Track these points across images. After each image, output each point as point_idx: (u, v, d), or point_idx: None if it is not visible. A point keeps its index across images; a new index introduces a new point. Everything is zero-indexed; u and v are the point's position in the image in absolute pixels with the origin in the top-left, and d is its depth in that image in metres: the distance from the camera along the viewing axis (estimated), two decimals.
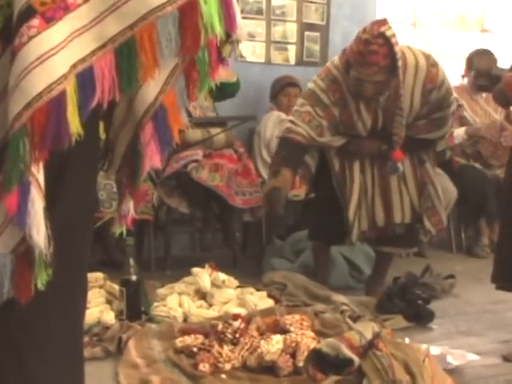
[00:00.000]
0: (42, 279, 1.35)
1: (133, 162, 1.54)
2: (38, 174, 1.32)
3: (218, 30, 1.37)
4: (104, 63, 1.32)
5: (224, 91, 5.03)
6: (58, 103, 1.28)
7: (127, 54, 1.33)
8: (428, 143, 4.00)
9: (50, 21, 1.28)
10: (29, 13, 1.28)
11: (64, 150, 1.30)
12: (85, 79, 1.31)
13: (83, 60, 1.31)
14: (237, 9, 1.42)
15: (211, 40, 1.39)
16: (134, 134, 1.50)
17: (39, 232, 1.32)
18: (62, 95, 1.28)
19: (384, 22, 3.70)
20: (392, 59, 3.60)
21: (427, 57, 3.88)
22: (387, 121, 3.88)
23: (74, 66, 1.30)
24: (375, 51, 3.60)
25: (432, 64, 3.83)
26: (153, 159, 1.49)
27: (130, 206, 1.64)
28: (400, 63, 3.64)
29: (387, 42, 3.59)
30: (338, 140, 3.98)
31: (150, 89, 1.44)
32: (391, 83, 3.71)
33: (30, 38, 1.27)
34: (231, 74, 5.09)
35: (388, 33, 3.60)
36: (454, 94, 4.04)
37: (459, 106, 5.08)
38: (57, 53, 1.28)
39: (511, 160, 3.34)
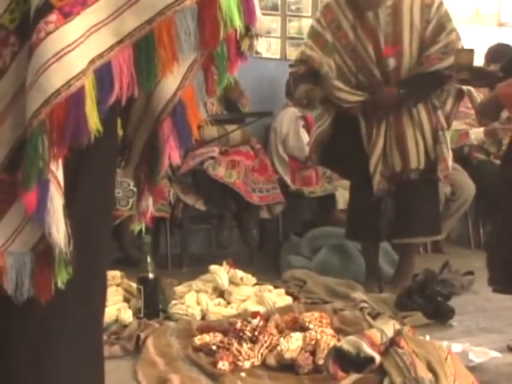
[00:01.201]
0: (62, 277, 1.33)
1: (151, 158, 1.52)
2: (57, 171, 1.30)
3: (238, 23, 1.34)
4: (122, 59, 1.30)
5: None
6: (77, 99, 1.26)
7: (146, 49, 1.31)
8: (439, 79, 4.02)
9: (67, 16, 1.26)
10: (46, 8, 1.26)
11: (83, 147, 1.28)
12: (103, 75, 1.29)
13: (101, 55, 1.29)
14: (256, 2, 1.39)
15: (230, 34, 1.36)
16: (152, 130, 1.48)
17: (59, 230, 1.30)
18: (81, 91, 1.26)
19: None
20: None
21: None
22: (390, 46, 3.98)
23: (92, 61, 1.28)
24: None
25: None
26: (172, 155, 1.47)
27: (149, 203, 1.62)
28: None
29: None
30: (356, 95, 4.05)
31: (169, 84, 1.42)
32: None
33: (48, 33, 1.25)
34: None
35: None
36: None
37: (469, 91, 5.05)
38: (75, 48, 1.26)
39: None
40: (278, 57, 5.92)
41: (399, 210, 4.11)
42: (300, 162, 5.35)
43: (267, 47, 5.86)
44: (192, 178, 4.90)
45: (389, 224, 4.22)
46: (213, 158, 4.88)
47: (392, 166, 4.06)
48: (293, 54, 5.95)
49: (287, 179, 5.32)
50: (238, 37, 1.38)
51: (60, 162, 1.30)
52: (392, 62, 3.97)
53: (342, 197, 5.22)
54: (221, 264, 3.78)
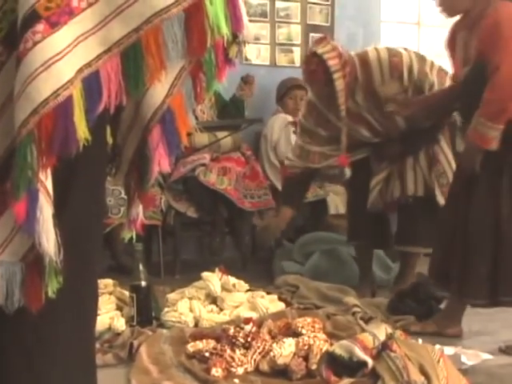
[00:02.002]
0: (52, 287, 1.34)
1: (141, 166, 1.52)
2: (46, 180, 1.30)
3: (225, 30, 1.35)
4: (110, 67, 1.31)
5: None
6: (65, 109, 1.27)
7: (133, 58, 1.32)
8: (429, 132, 4.08)
9: (54, 26, 1.27)
10: (33, 18, 1.26)
11: (72, 156, 1.29)
12: (91, 84, 1.29)
13: (89, 64, 1.29)
14: (243, 9, 1.40)
15: (217, 41, 1.37)
16: (141, 137, 1.48)
17: (49, 239, 1.30)
18: (69, 100, 1.27)
19: (321, 40, 4.03)
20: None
21: (389, 50, 4.09)
22: (381, 119, 4.06)
23: (80, 70, 1.28)
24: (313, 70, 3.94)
25: (393, 55, 4.02)
26: (161, 163, 1.47)
27: (139, 211, 1.63)
28: (335, 76, 3.89)
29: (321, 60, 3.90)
30: (358, 154, 4.19)
31: (157, 92, 1.42)
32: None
33: (35, 43, 1.26)
34: None
35: (320, 51, 3.91)
36: (433, 77, 4.07)
37: None
38: (62, 58, 1.27)
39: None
40: (267, 63, 5.94)
41: (403, 220, 4.21)
42: None
43: (257, 54, 5.88)
44: (183, 185, 4.90)
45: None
46: (204, 164, 4.89)
47: (391, 192, 4.15)
48: (282, 60, 6.00)
49: (278, 185, 5.32)
50: (225, 44, 1.39)
51: (49, 171, 1.30)
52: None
53: (334, 202, 5.25)
54: (213, 271, 3.79)
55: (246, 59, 5.83)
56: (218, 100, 5.32)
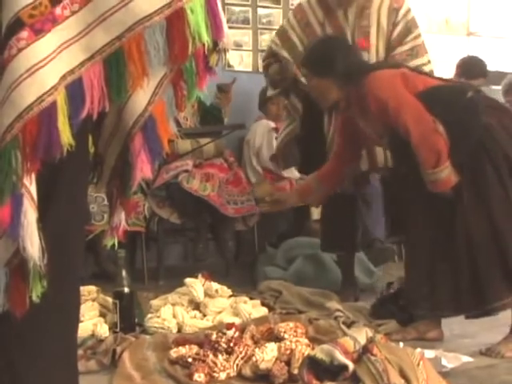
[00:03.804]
0: (36, 291, 1.35)
1: (123, 173, 1.54)
2: (31, 185, 1.32)
3: (206, 38, 1.38)
4: (93, 74, 1.33)
5: None
6: (49, 114, 1.29)
7: (116, 65, 1.34)
8: None
9: (38, 33, 1.29)
10: (17, 25, 1.29)
11: (55, 162, 1.31)
12: (74, 90, 1.32)
13: (72, 71, 1.32)
14: (223, 17, 1.43)
15: (198, 50, 1.40)
16: (123, 145, 1.50)
17: (33, 244, 1.32)
18: (53, 106, 1.29)
19: None
20: None
21: None
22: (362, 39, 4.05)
23: (64, 77, 1.31)
24: None
25: None
26: (144, 170, 1.49)
27: (121, 218, 1.63)
28: None
29: None
30: None
31: (139, 100, 1.45)
32: None
33: (20, 49, 1.28)
34: None
35: None
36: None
37: None
38: (46, 64, 1.29)
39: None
40: (250, 69, 5.97)
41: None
42: (274, 174, 5.39)
43: (239, 60, 5.91)
44: (166, 191, 4.91)
45: (364, 233, 4.27)
46: (187, 171, 4.90)
47: (358, 166, 4.05)
48: None
49: None
50: (206, 52, 1.42)
51: (33, 176, 1.32)
52: (366, 55, 3.98)
53: (316, 208, 5.26)
54: (196, 277, 3.80)
55: (229, 65, 5.86)
56: (200, 107, 5.34)
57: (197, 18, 1.37)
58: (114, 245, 1.68)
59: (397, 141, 3.24)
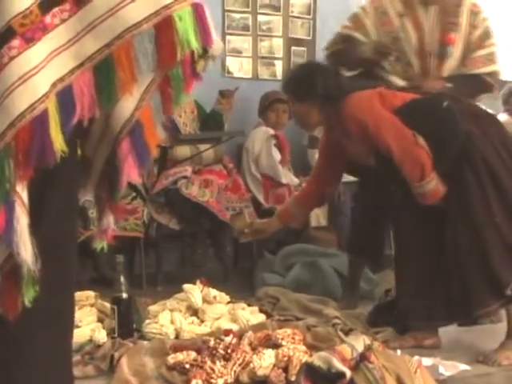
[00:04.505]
0: (29, 296, 1.37)
1: (111, 177, 1.57)
2: (23, 191, 1.34)
3: (195, 45, 1.42)
4: (83, 81, 1.36)
5: None
6: (41, 122, 1.31)
7: (105, 71, 1.37)
8: (482, 85, 3.98)
9: (30, 41, 1.32)
10: (9, 34, 1.31)
11: (49, 168, 1.33)
12: (65, 97, 1.34)
13: (62, 79, 1.34)
14: (211, 25, 1.46)
15: (185, 56, 1.43)
16: (111, 149, 1.52)
17: (26, 249, 1.34)
18: (45, 114, 1.32)
19: None
20: None
21: None
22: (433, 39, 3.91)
23: (54, 84, 1.33)
24: None
25: None
26: (131, 174, 1.52)
27: (110, 221, 1.65)
28: None
29: None
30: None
31: (127, 105, 1.47)
32: None
33: (11, 58, 1.30)
34: None
35: None
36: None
37: None
38: (38, 72, 1.31)
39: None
40: (249, 76, 5.97)
41: None
42: (272, 181, 5.40)
43: (239, 67, 5.92)
44: (165, 197, 4.91)
45: None
46: (186, 177, 4.91)
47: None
48: (264, 73, 6.03)
49: (260, 198, 5.36)
50: (195, 57, 1.45)
51: (25, 182, 1.34)
52: (451, 50, 3.90)
53: (315, 214, 5.27)
54: (195, 283, 3.80)
55: (229, 72, 5.87)
56: (200, 113, 5.35)
57: (185, 26, 1.40)
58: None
59: (382, 159, 3.27)
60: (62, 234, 1.50)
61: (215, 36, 1.46)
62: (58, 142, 1.32)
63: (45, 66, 1.32)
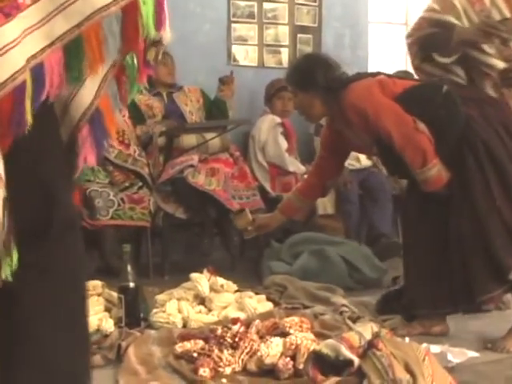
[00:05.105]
0: (6, 271, 1.39)
1: (70, 162, 1.63)
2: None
3: (152, 30, 1.50)
4: (54, 59, 1.42)
5: None
6: (20, 92, 1.37)
7: (75, 51, 1.44)
8: None
9: (8, 16, 1.38)
10: None
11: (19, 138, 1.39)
12: (36, 74, 1.40)
13: (34, 56, 1.40)
14: (167, 14, 1.54)
15: (139, 45, 1.51)
16: (70, 135, 1.59)
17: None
18: (23, 85, 1.37)
19: None
20: None
21: None
22: None
23: (28, 61, 1.39)
24: None
25: None
26: (88, 158, 1.62)
27: None
28: None
29: None
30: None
31: (86, 94, 1.55)
32: None
33: None
34: None
35: None
36: None
37: None
38: (15, 46, 1.36)
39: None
40: (255, 64, 5.95)
41: None
42: (279, 169, 5.39)
43: (244, 55, 5.90)
44: (172, 186, 4.91)
45: (370, 228, 4.22)
46: (192, 166, 4.90)
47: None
48: (270, 61, 6.01)
49: (267, 186, 5.35)
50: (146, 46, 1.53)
51: (0, 154, 1.38)
52: None
53: (322, 203, 5.27)
54: (202, 271, 3.80)
55: (234, 60, 5.85)
56: (205, 102, 5.34)
57: (147, 10, 1.48)
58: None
59: (385, 148, 3.26)
60: None
61: (168, 27, 1.53)
62: (29, 114, 1.38)
63: (20, 42, 1.38)
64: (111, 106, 1.59)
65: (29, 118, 1.37)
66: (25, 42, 1.38)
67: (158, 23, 1.51)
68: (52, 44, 1.41)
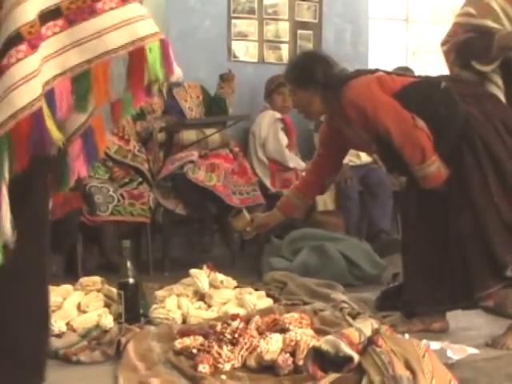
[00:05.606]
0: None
1: (59, 170, 1.83)
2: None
3: (160, 74, 1.73)
4: (63, 87, 1.64)
5: None
6: (37, 116, 1.58)
7: (83, 83, 1.66)
8: None
9: (34, 47, 1.59)
10: (17, 39, 1.59)
11: (48, 154, 1.67)
12: (48, 98, 1.62)
13: (47, 83, 1.63)
14: (173, 57, 1.77)
15: (142, 86, 1.75)
16: (63, 148, 1.76)
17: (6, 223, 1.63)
18: (40, 110, 1.59)
19: None
20: None
21: None
22: None
23: (43, 87, 1.61)
24: None
25: None
26: (80, 171, 1.82)
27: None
28: None
29: None
30: None
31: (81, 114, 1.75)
32: None
33: (18, 60, 1.57)
34: None
35: None
36: None
37: None
38: (37, 75, 1.58)
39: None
40: (255, 60, 5.94)
41: None
42: (279, 165, 5.38)
43: (245, 51, 5.89)
44: (172, 182, 4.91)
45: (370, 224, 4.20)
46: (192, 161, 4.90)
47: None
48: (270, 56, 6.00)
49: (267, 182, 5.35)
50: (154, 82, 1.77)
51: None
52: None
53: (322, 199, 5.26)
54: (201, 268, 3.79)
55: (235, 56, 5.84)
56: (205, 98, 5.33)
57: (154, 56, 1.71)
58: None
59: (384, 145, 3.25)
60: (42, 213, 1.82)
61: (176, 66, 1.75)
62: (55, 132, 1.60)
63: (40, 71, 1.59)
64: (103, 125, 1.78)
65: (56, 134, 1.61)
66: (42, 70, 1.59)
67: (167, 66, 1.73)
68: (63, 73, 1.63)
